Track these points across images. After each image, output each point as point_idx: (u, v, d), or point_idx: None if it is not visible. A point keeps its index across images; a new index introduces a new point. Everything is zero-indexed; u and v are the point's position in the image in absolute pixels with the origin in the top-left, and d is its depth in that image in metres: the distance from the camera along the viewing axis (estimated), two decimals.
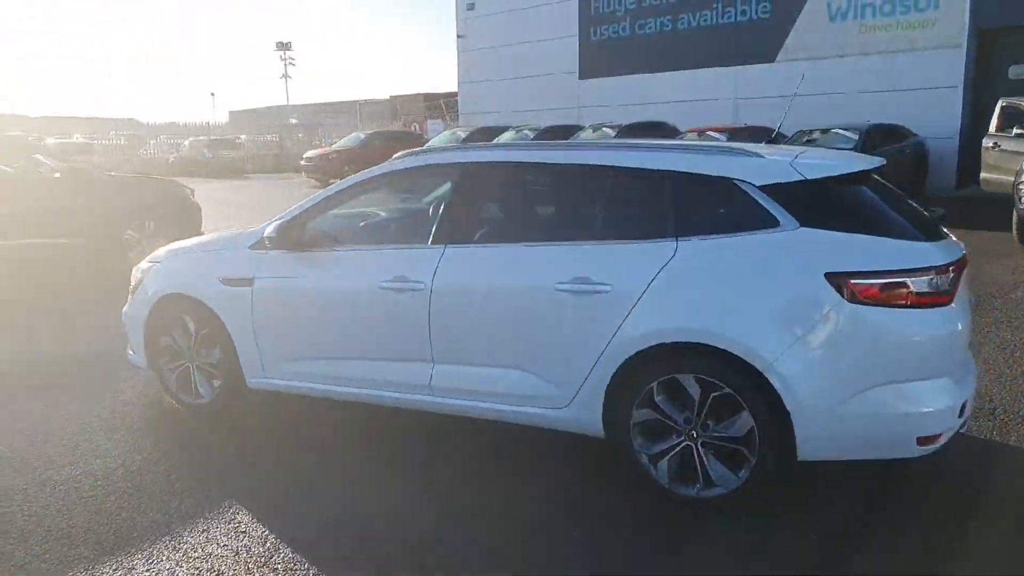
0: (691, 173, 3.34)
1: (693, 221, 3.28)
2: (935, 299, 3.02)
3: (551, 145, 4.28)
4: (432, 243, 3.74)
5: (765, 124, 15.77)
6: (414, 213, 4.43)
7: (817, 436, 3.04)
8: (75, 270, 8.73)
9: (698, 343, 3.12)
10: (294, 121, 50.78)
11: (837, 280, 2.98)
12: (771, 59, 19.34)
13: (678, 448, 3.25)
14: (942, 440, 3.09)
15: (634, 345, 3.22)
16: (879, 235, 3.09)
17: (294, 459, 3.93)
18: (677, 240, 3.25)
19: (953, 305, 3.08)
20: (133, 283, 4.74)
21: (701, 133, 15.47)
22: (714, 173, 3.30)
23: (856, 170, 3.40)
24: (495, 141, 17.86)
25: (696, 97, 20.66)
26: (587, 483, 3.56)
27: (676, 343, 3.16)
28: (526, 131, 19.88)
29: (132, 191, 9.43)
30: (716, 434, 3.17)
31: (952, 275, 3.08)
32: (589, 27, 23.36)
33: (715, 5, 20.47)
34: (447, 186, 3.94)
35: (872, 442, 3.08)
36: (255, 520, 3.30)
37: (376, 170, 4.11)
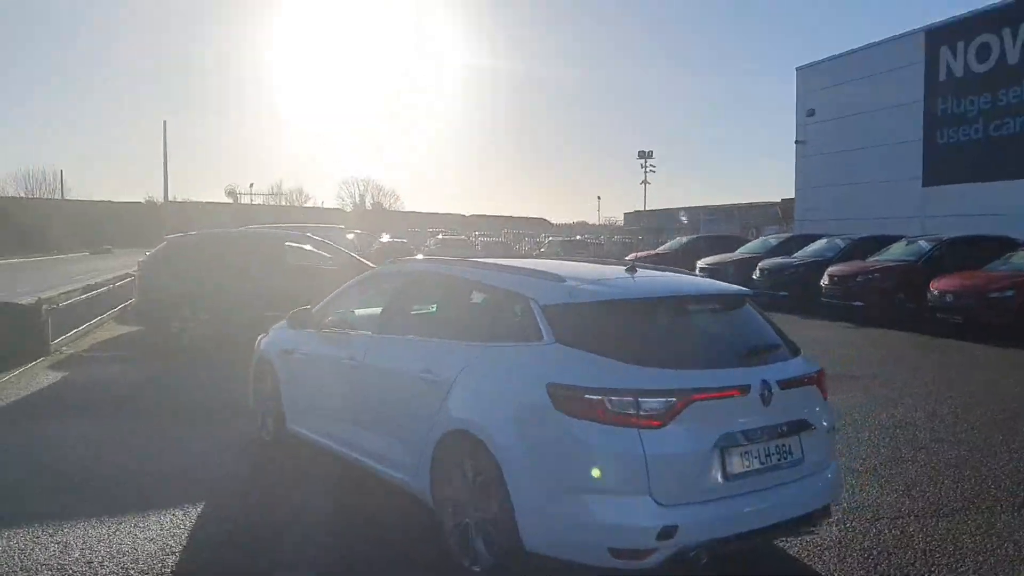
0: (503, 288, 3.88)
1: (496, 328, 3.82)
2: (639, 421, 3.13)
3: (461, 261, 4.87)
4: (375, 331, 4.67)
5: None
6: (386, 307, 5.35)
7: (534, 530, 3.26)
8: None
9: (467, 431, 3.57)
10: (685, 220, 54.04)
11: (553, 390, 3.23)
12: None
13: (462, 524, 3.66)
14: (649, 559, 3.12)
15: (441, 428, 3.76)
16: (614, 357, 3.27)
17: None
18: (484, 343, 3.76)
19: (666, 428, 3.15)
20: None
21: None
22: (515, 291, 3.79)
23: (631, 298, 3.65)
24: (805, 249, 17.55)
25: None
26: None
27: (458, 430, 3.64)
28: (837, 240, 18.82)
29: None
30: (478, 514, 3.53)
31: (666, 401, 3.16)
32: (935, 130, 21.40)
33: None
34: (400, 288, 4.85)
35: (573, 544, 3.23)
36: None
37: (366, 274, 5.25)
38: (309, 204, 72.68)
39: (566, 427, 3.21)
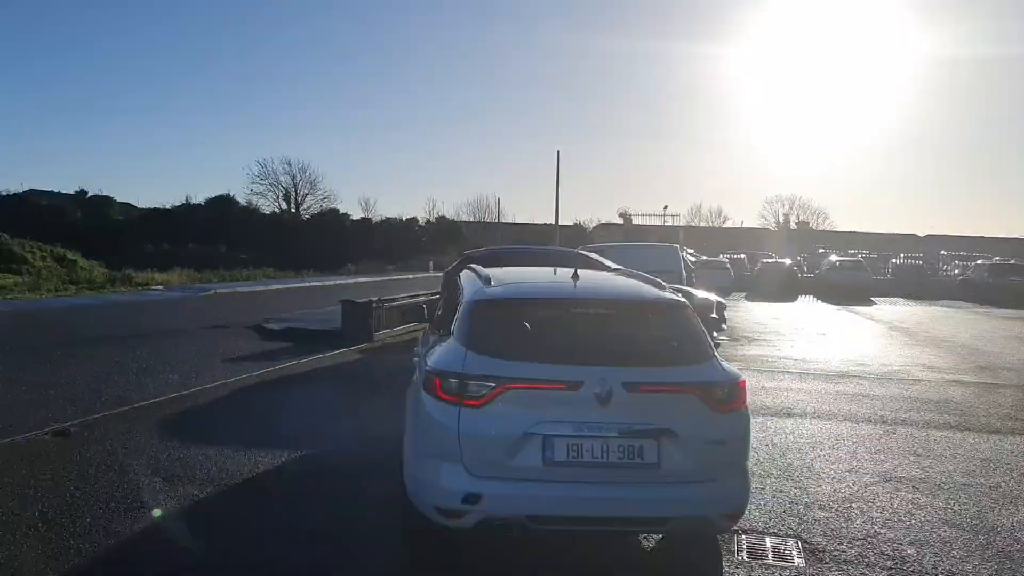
0: (463, 289, 4.72)
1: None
2: (461, 400, 3.79)
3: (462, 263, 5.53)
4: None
5: None
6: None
7: (408, 483, 4.11)
8: None
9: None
10: None
11: (426, 373, 4.09)
12: None
13: None
14: (462, 520, 3.74)
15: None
16: (469, 347, 4.00)
17: None
18: (444, 335, 4.68)
19: (482, 408, 3.75)
20: None
21: None
22: (464, 292, 4.61)
23: (510, 297, 4.39)
24: None
25: None
26: None
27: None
28: None
29: None
30: None
31: (485, 385, 3.78)
32: None
33: None
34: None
35: (420, 498, 3.96)
36: None
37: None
38: (728, 224, 73.00)
39: (422, 400, 4.00)
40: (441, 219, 62.39)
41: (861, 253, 43.51)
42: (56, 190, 55.20)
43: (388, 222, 59.94)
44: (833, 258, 37.45)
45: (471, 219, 62.61)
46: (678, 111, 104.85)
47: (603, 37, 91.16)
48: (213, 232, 49.12)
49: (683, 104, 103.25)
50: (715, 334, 13.00)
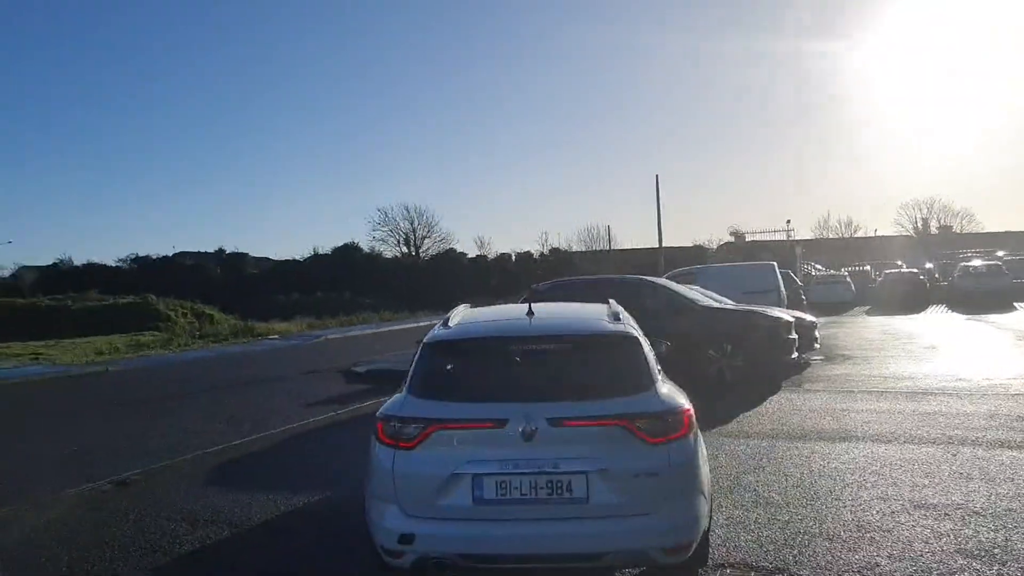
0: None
1: None
2: (397, 442, 3.95)
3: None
4: None
5: None
6: None
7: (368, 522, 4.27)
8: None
9: None
10: None
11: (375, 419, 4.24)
12: None
13: None
14: (401, 560, 3.86)
15: None
16: (409, 390, 4.19)
17: None
18: None
19: (414, 451, 3.88)
20: None
21: None
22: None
23: (450, 339, 4.46)
24: None
25: None
26: None
27: None
28: None
29: (719, 321, 12.17)
30: None
31: (416, 427, 3.90)
32: None
33: None
34: None
35: (372, 537, 4.03)
36: None
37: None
38: (860, 234, 69.20)
39: (371, 444, 4.15)
40: (554, 251, 62.85)
41: (1013, 255, 39.97)
42: (200, 250, 60.13)
43: (502, 258, 61.01)
44: (971, 263, 34.71)
45: (583, 249, 62.73)
46: (796, 117, 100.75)
47: (711, 38, 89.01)
48: (338, 280, 51.83)
49: (802, 109, 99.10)
50: (797, 355, 12.44)
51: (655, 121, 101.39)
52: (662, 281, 13.40)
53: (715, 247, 59.85)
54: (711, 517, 4.40)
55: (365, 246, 60.20)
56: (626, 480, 3.82)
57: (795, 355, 12.48)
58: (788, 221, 68.94)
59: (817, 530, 5.22)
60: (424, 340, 4.53)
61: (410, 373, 4.36)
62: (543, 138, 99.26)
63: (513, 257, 61.45)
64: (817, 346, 14.81)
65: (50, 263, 54.72)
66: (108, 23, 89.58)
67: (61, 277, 49.91)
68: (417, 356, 4.45)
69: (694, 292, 13.32)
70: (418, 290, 49.14)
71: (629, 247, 60.65)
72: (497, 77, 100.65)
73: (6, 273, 53.18)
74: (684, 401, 4.18)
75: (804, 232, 64.87)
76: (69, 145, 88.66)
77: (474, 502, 3.82)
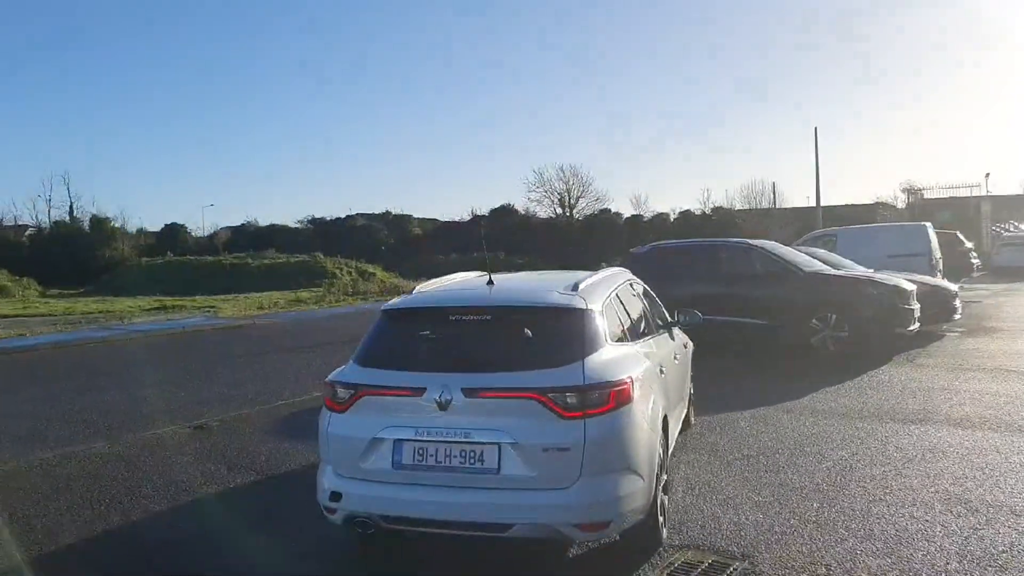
0: None
1: None
2: (332, 405, 4.21)
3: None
4: None
5: None
6: None
7: None
8: (761, 344, 11.55)
9: None
10: None
11: None
12: None
13: None
14: (334, 516, 4.10)
15: None
16: (353, 356, 4.42)
17: None
18: None
19: (344, 414, 4.10)
20: None
21: None
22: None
23: (399, 307, 4.65)
24: None
25: None
26: None
27: None
28: None
29: (823, 288, 11.34)
30: None
31: (347, 392, 4.13)
32: None
33: None
34: None
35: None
36: None
37: None
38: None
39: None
40: (716, 209, 60.53)
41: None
42: (371, 211, 63.60)
43: (659, 217, 59.61)
44: None
45: (746, 207, 59.84)
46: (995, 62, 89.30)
47: None
48: (496, 240, 53.05)
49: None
50: (913, 327, 11.36)
51: (819, 68, 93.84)
52: (763, 244, 12.61)
53: (902, 204, 54.75)
54: (657, 496, 4.27)
55: (520, 208, 61.00)
56: (536, 453, 3.81)
57: (914, 326, 11.39)
58: (988, 175, 61.88)
59: (813, 518, 4.87)
60: (381, 308, 4.70)
61: (362, 340, 4.54)
62: (704, 93, 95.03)
63: (672, 217, 59.88)
64: (957, 317, 13.42)
65: (239, 223, 60.13)
66: None
67: (248, 237, 54.76)
68: (374, 324, 4.62)
69: (802, 257, 12.44)
70: (571, 251, 49.24)
71: (797, 205, 57.09)
72: (650, 32, 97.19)
73: (204, 233, 59.11)
74: (621, 375, 4.04)
75: (1009, 188, 57.83)
76: (270, 120, 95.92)
77: (393, 466, 3.97)
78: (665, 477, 4.65)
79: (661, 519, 4.45)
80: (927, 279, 13.73)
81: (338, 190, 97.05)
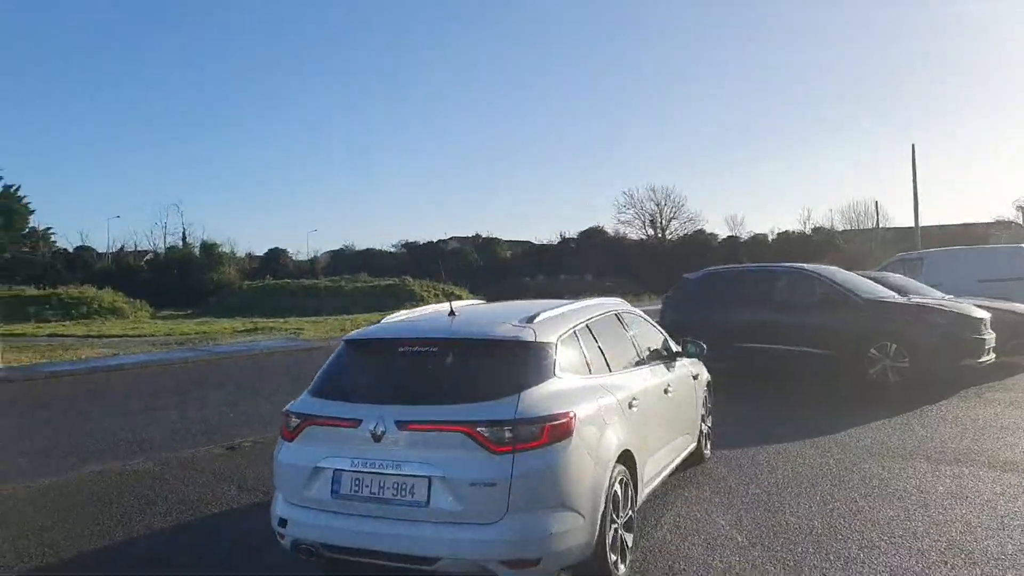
0: None
1: None
2: (285, 433, 4.32)
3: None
4: None
5: None
6: None
7: None
8: (820, 375, 11.02)
9: None
10: None
11: None
12: None
13: None
14: (284, 541, 4.19)
15: None
16: (309, 386, 4.55)
17: None
18: None
19: (292, 443, 4.24)
20: None
21: None
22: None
23: (355, 339, 4.73)
24: None
25: None
26: None
27: None
28: None
29: (882, 316, 10.73)
30: None
31: (295, 422, 4.25)
32: None
33: None
34: None
35: None
36: None
37: None
38: None
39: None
40: (817, 230, 58.34)
41: None
42: (462, 235, 64.82)
43: (756, 238, 57.97)
44: None
45: (847, 227, 57.36)
46: None
47: None
48: (583, 262, 52.99)
49: None
50: (986, 358, 10.59)
51: (920, 87, 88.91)
52: (820, 269, 12.07)
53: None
54: (605, 534, 4.16)
55: (610, 229, 60.63)
56: (463, 488, 3.80)
57: (987, 358, 10.61)
58: None
59: (787, 562, 4.62)
60: (342, 339, 4.83)
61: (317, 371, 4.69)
62: (804, 112, 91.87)
63: (770, 237, 58.09)
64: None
65: (338, 248, 62.54)
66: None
67: (345, 260, 56.84)
68: (333, 354, 4.75)
69: (864, 283, 11.81)
70: (662, 273, 48.48)
71: (902, 224, 54.20)
72: (747, 51, 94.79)
73: (305, 257, 61.80)
74: (562, 409, 3.99)
75: None
76: (375, 146, 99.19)
77: (332, 495, 4.05)
78: (629, 514, 4.53)
79: (614, 558, 4.31)
80: (1017, 307, 12.73)
81: (430, 214, 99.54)
